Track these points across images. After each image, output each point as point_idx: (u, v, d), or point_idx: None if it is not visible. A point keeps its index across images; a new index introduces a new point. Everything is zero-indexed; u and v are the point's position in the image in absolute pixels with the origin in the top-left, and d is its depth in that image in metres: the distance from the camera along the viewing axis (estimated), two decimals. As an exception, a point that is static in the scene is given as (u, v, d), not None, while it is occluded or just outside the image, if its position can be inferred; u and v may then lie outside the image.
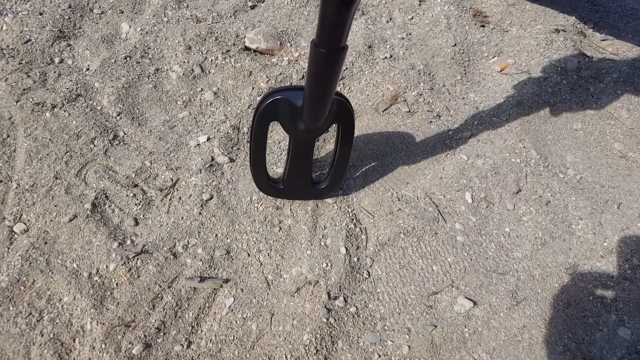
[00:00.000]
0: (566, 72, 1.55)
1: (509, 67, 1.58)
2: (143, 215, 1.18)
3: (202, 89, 1.46)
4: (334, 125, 1.14)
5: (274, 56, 1.57)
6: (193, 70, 1.49)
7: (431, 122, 1.43)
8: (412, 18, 1.74)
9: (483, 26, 1.72)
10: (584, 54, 1.61)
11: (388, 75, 1.50)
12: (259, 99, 1.28)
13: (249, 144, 1.12)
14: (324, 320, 1.05)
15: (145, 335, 1.00)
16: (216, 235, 1.17)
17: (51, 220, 1.14)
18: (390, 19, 1.73)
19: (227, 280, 1.11)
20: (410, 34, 1.67)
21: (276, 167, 1.31)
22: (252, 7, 1.72)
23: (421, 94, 1.48)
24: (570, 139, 1.40)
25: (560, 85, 1.52)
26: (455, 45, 1.64)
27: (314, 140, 1.13)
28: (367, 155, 1.37)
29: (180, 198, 1.22)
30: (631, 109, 1.43)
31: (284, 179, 1.20)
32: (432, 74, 1.55)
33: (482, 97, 1.50)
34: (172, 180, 1.24)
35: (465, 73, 1.59)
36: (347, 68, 1.52)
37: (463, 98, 1.50)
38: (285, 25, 1.64)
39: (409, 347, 1.04)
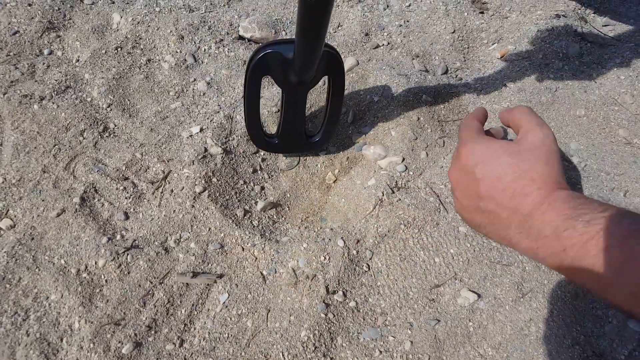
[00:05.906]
0: (568, 57, 1.52)
1: (509, 54, 1.54)
2: (134, 209, 1.14)
3: (195, 79, 1.42)
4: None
5: (268, 45, 1.53)
6: (186, 60, 1.45)
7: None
8: (409, 5, 1.70)
9: (482, 12, 1.68)
10: (585, 39, 1.57)
11: (386, 63, 1.46)
12: (250, 54, 1.24)
13: (243, 100, 1.13)
14: (323, 315, 1.01)
15: (135, 334, 0.96)
16: (209, 229, 1.13)
17: (38, 216, 1.10)
18: (387, 6, 1.69)
19: (221, 276, 1.07)
20: (407, 21, 1.63)
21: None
22: (246, -4, 1.68)
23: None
24: (574, 125, 1.36)
25: (562, 71, 1.48)
26: (454, 32, 1.60)
27: (306, 92, 1.14)
28: (365, 145, 1.32)
29: (172, 191, 1.17)
30: (635, 94, 1.39)
31: (279, 133, 1.20)
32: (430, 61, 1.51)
33: (482, 84, 1.46)
34: (164, 173, 1.20)
35: (465, 60, 1.55)
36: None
37: (463, 85, 1.46)
38: (280, 14, 1.60)
39: (412, 342, 1.00)
